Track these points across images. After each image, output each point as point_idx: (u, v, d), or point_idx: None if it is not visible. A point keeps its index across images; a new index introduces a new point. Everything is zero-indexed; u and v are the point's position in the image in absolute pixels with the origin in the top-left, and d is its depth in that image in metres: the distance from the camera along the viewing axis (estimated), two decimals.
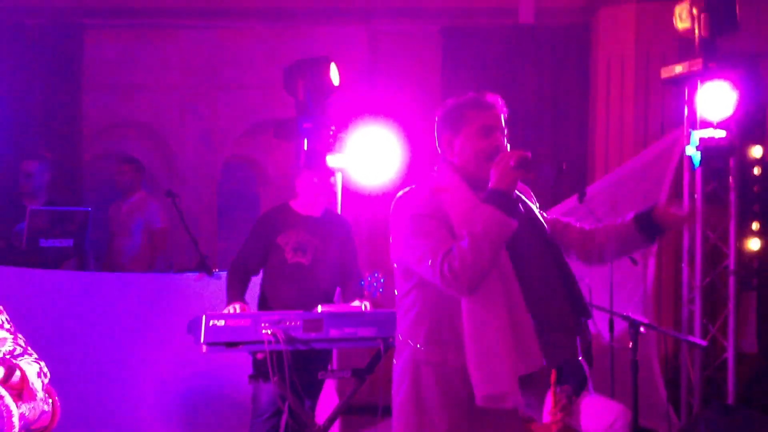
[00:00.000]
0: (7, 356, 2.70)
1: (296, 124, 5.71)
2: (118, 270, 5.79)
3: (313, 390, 4.15)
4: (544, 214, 2.68)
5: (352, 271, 4.32)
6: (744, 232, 5.55)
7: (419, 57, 6.71)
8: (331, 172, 4.40)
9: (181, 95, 7.00)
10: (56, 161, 6.07)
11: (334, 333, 3.67)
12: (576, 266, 5.07)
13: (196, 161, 6.99)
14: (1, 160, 6.13)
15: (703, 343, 4.61)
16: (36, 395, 2.72)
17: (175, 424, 4.75)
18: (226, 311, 3.96)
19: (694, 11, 4.84)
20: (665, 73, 5.12)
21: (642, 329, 3.74)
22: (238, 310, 3.94)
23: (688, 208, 2.52)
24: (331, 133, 5.48)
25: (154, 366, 4.68)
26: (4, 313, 2.94)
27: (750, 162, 5.56)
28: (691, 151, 4.95)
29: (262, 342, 3.56)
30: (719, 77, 4.79)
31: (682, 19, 4.91)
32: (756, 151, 5.62)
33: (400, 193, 2.53)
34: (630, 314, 3.92)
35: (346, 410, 3.98)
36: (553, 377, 2.46)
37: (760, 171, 5.55)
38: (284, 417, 4.07)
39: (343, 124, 5.48)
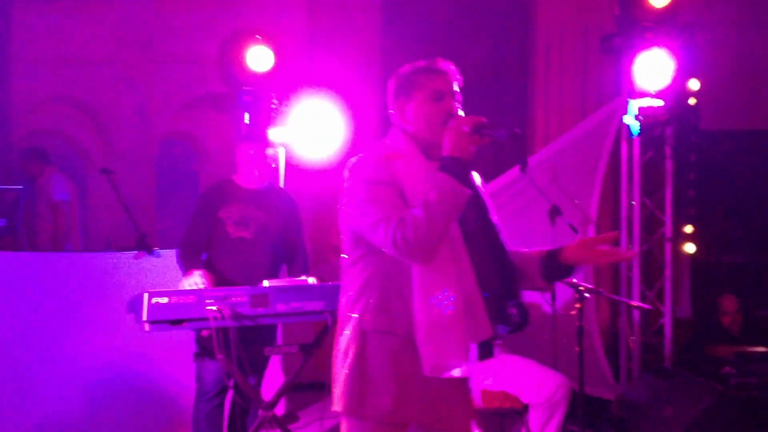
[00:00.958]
0: None
1: (235, 97, 5.61)
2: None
3: (258, 366, 4.10)
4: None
5: (297, 246, 4.27)
6: (680, 200, 5.68)
7: (359, 28, 6.65)
8: (267, 143, 4.29)
9: (116, 69, 6.81)
10: None
11: (281, 308, 3.62)
12: (517, 234, 5.12)
13: (132, 137, 6.83)
14: None
15: (648, 306, 4.72)
16: None
17: (117, 408, 4.66)
18: (189, 281, 3.87)
19: None
20: (605, 42, 5.18)
21: (587, 295, 3.80)
22: (200, 276, 3.86)
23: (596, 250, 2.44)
24: (273, 106, 5.41)
25: (93, 347, 4.58)
26: None
27: (687, 130, 5.68)
28: (630, 120, 5.02)
29: (207, 319, 3.49)
30: (656, 46, 4.86)
31: None
32: (692, 120, 5.75)
33: (353, 159, 2.47)
34: (576, 280, 3.98)
35: (294, 387, 3.95)
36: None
37: (696, 139, 5.67)
38: (230, 395, 4.02)
39: (284, 97, 5.40)
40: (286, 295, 3.64)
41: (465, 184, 2.31)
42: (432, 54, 6.86)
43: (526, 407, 4.01)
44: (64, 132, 6.69)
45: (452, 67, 2.53)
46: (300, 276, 4.07)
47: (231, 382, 3.88)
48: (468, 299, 2.35)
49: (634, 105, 4.96)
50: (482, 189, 2.58)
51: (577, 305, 3.73)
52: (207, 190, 4.37)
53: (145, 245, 4.83)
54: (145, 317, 3.46)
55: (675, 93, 5.04)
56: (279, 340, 4.74)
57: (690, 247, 6.02)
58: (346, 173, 2.46)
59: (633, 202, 5.35)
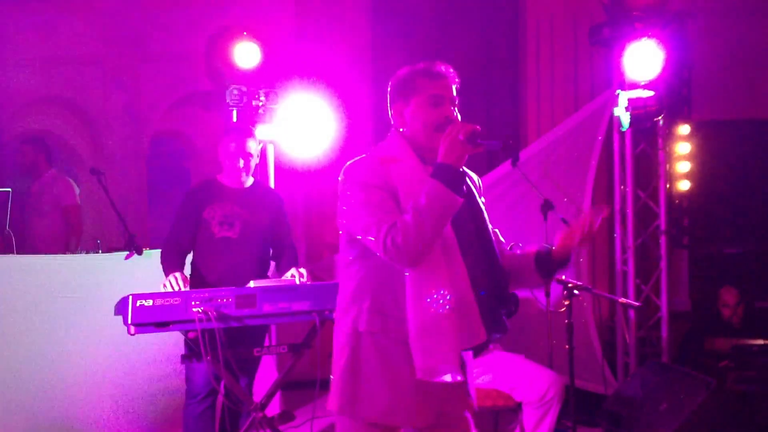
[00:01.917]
0: None
1: (223, 95, 5.55)
2: (32, 253, 5.59)
3: (249, 367, 4.06)
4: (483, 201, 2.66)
5: (285, 244, 4.22)
6: (674, 191, 5.63)
7: (348, 22, 6.59)
8: (249, 134, 4.21)
9: (104, 68, 6.75)
10: None
11: (267, 308, 3.58)
12: (511, 228, 5.08)
13: (122, 137, 6.77)
14: None
15: (637, 304, 4.67)
16: None
17: (108, 410, 4.62)
18: (166, 282, 3.83)
19: None
20: (594, 34, 5.12)
21: (576, 292, 3.75)
22: (179, 278, 3.82)
23: (579, 236, 2.44)
24: (260, 103, 5.35)
25: (84, 350, 4.53)
26: None
27: (679, 121, 5.63)
28: (620, 112, 4.97)
29: (192, 321, 3.44)
30: (646, 36, 4.81)
31: None
32: (684, 111, 5.69)
33: (349, 162, 2.48)
34: (565, 278, 3.93)
35: (286, 386, 3.91)
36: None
37: (689, 130, 5.61)
38: (220, 397, 3.98)
39: (272, 94, 5.34)
40: (273, 296, 3.60)
41: (457, 192, 2.29)
42: (421, 48, 6.88)
43: (519, 405, 3.97)
44: (52, 132, 6.62)
45: (451, 70, 2.52)
46: (289, 270, 4.02)
47: (220, 385, 3.84)
48: (462, 301, 2.34)
49: (624, 97, 4.90)
50: (479, 191, 2.60)
51: (566, 302, 3.68)
52: (191, 189, 4.32)
53: (134, 246, 4.78)
54: (129, 320, 3.42)
55: (666, 83, 4.98)
56: (273, 340, 4.69)
57: (684, 240, 5.97)
58: (341, 176, 2.47)
59: (625, 194, 5.29)
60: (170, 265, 3.99)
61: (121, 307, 3.50)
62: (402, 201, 2.36)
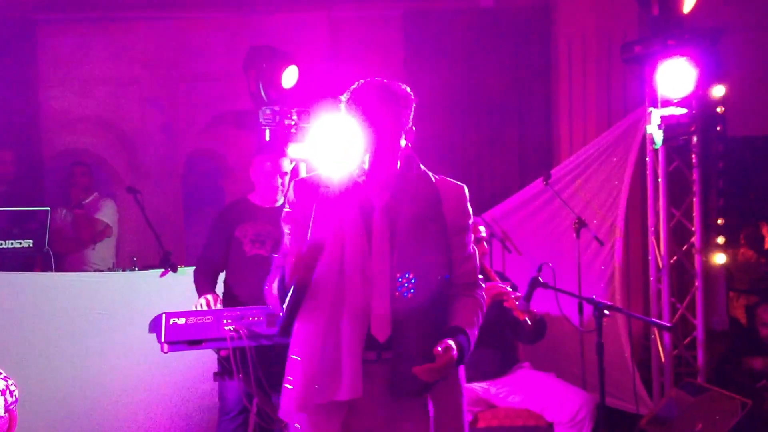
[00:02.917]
0: None
1: (257, 114, 5.63)
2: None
3: (280, 385, 4.08)
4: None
5: None
6: (709, 208, 5.56)
7: (381, 42, 6.64)
8: (282, 154, 4.28)
9: (141, 88, 6.87)
10: (15, 160, 5.97)
11: None
12: (543, 247, 5.03)
13: (158, 155, 6.88)
14: None
15: (668, 324, 4.60)
16: None
17: (143, 427, 4.68)
18: (197, 304, 3.89)
19: None
20: (625, 51, 5.10)
21: (607, 312, 3.72)
22: (211, 301, 3.88)
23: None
24: (293, 122, 5.41)
25: (120, 367, 4.60)
26: None
27: (713, 138, 5.56)
28: (653, 129, 4.93)
29: (224, 339, 3.48)
30: (678, 54, 4.77)
31: None
32: (718, 128, 5.63)
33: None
34: (595, 297, 3.90)
35: None
36: None
37: (723, 146, 5.55)
38: (252, 414, 4.01)
39: (305, 113, 5.40)
40: None
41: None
42: (453, 68, 6.86)
43: (550, 426, 3.94)
44: (90, 150, 6.75)
45: (394, 90, 2.53)
46: None
47: (252, 402, 3.87)
48: (332, 354, 2.30)
49: (657, 114, 4.86)
50: (452, 213, 2.43)
51: (597, 321, 3.66)
52: (223, 209, 4.39)
53: (170, 263, 4.85)
54: (163, 338, 3.47)
55: (699, 100, 4.93)
56: None
57: (720, 258, 5.88)
58: None
59: (659, 211, 5.23)
60: (202, 285, 4.05)
61: (154, 325, 3.55)
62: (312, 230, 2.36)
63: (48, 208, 5.30)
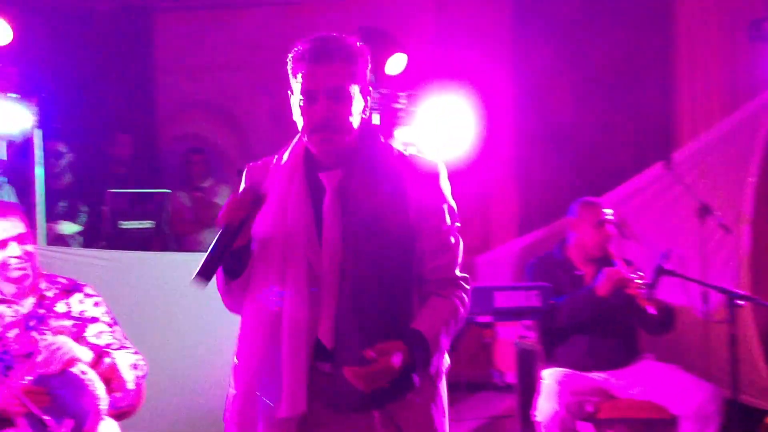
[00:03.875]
0: (105, 350, 2.82)
1: None
2: None
3: None
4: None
5: None
6: None
7: (488, 24, 6.52)
8: (391, 136, 4.25)
9: (252, 74, 6.98)
10: (133, 143, 6.18)
11: None
12: (660, 235, 4.82)
13: (268, 140, 6.97)
14: (79, 147, 6.23)
15: None
16: (126, 385, 2.81)
17: None
18: None
19: None
20: (753, 29, 4.83)
21: (740, 302, 3.54)
22: None
23: None
24: (401, 106, 5.38)
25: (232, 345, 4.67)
26: (103, 305, 3.00)
27: None
28: None
29: None
30: None
31: None
32: None
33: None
34: (725, 286, 3.72)
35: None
36: None
37: None
38: None
39: (413, 97, 5.36)
40: None
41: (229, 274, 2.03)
42: (564, 47, 6.64)
43: (674, 419, 3.79)
44: (203, 136, 6.92)
45: (349, 47, 1.98)
46: None
47: None
48: (272, 364, 1.94)
49: None
50: (418, 184, 2.04)
51: (728, 311, 3.47)
52: None
53: None
54: None
55: None
56: None
57: None
58: None
59: None
60: None
61: None
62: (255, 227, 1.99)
63: (168, 191, 5.46)
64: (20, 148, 4.77)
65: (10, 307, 2.90)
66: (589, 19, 6.33)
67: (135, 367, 2.94)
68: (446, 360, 2.12)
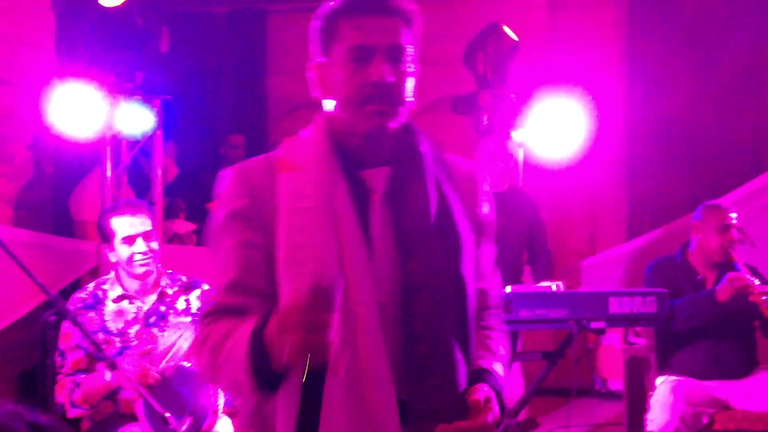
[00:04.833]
0: None
1: (475, 98, 5.61)
2: None
3: None
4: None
5: (541, 250, 4.18)
6: None
7: (602, 23, 6.37)
8: (509, 136, 4.22)
9: None
10: (245, 143, 6.37)
11: (524, 314, 3.55)
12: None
13: None
14: (194, 145, 6.47)
15: None
16: None
17: None
18: None
19: None
20: None
21: None
22: None
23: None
24: (514, 106, 5.35)
25: None
26: None
27: None
28: None
29: None
30: None
31: None
32: None
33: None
34: None
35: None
36: None
37: None
38: None
39: (524, 96, 5.32)
40: (530, 302, 3.56)
41: (260, 383, 1.38)
42: (683, 47, 6.42)
43: None
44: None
45: (407, 3, 1.56)
46: (543, 281, 3.99)
47: None
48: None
49: None
50: (474, 197, 1.66)
51: None
52: None
53: None
54: None
55: None
56: (519, 345, 4.67)
57: None
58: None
59: None
60: None
61: None
62: (283, 251, 1.46)
63: None
64: (141, 149, 5.00)
65: (132, 303, 3.01)
66: (709, 17, 6.09)
67: None
68: None
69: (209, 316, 1.50)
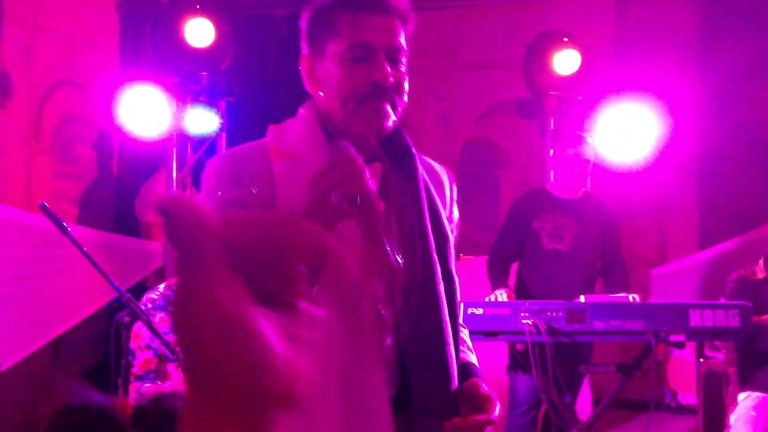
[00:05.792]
0: None
1: (540, 102, 5.50)
2: None
3: (573, 384, 3.95)
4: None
5: (615, 260, 4.06)
6: None
7: (671, 23, 6.20)
8: (581, 141, 4.11)
9: (420, 77, 7.00)
10: None
11: (598, 325, 3.44)
12: None
13: (435, 143, 6.96)
14: None
15: None
16: None
17: None
18: (491, 297, 3.87)
19: None
20: None
21: None
22: (505, 296, 3.85)
23: None
24: (578, 110, 5.23)
25: None
26: None
27: None
28: None
29: (522, 332, 3.41)
30: None
31: None
32: None
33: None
34: None
35: (596, 403, 3.77)
36: None
37: None
38: (542, 410, 3.91)
39: (592, 100, 5.20)
40: (605, 312, 3.45)
41: None
42: (761, 53, 6.21)
43: None
44: None
45: (403, 2, 1.53)
46: (618, 292, 3.87)
47: (545, 399, 3.77)
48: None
49: None
50: (443, 203, 1.60)
51: None
52: (519, 199, 4.30)
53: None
54: None
55: None
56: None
57: None
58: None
59: None
60: (496, 277, 4.02)
61: None
62: None
63: None
64: (205, 150, 5.01)
65: None
66: None
67: None
68: None
69: None
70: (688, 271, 5.08)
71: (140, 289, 3.86)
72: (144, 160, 5.14)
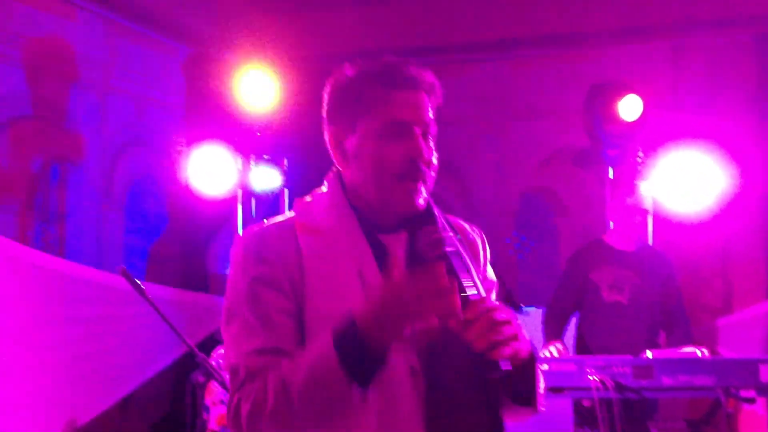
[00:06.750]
0: None
1: (598, 151, 5.50)
2: None
3: None
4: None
5: (677, 312, 4.01)
6: None
7: (728, 70, 6.16)
8: (642, 192, 4.10)
9: (474, 127, 7.07)
10: None
11: (666, 381, 3.41)
12: None
13: (491, 193, 7.00)
14: None
15: None
16: None
17: None
18: (544, 352, 3.85)
19: None
20: None
21: None
22: (555, 352, 3.82)
23: None
24: (639, 159, 5.21)
25: None
26: None
27: None
28: None
29: (589, 389, 3.39)
30: None
31: None
32: None
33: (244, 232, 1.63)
34: None
35: None
36: None
37: None
38: None
39: (650, 149, 5.19)
40: (673, 368, 3.42)
41: (355, 377, 1.35)
42: None
43: None
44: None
45: (429, 75, 1.54)
46: (683, 346, 3.82)
47: None
48: None
49: None
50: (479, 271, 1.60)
51: None
52: (577, 251, 4.30)
53: (512, 302, 4.88)
54: None
55: None
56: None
57: None
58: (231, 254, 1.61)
59: None
60: (552, 330, 4.00)
61: None
62: (313, 308, 1.46)
63: None
64: (269, 206, 5.13)
65: None
66: None
67: None
68: None
69: (244, 383, 1.43)
70: (756, 321, 4.98)
71: (209, 343, 3.95)
72: (209, 216, 5.29)
